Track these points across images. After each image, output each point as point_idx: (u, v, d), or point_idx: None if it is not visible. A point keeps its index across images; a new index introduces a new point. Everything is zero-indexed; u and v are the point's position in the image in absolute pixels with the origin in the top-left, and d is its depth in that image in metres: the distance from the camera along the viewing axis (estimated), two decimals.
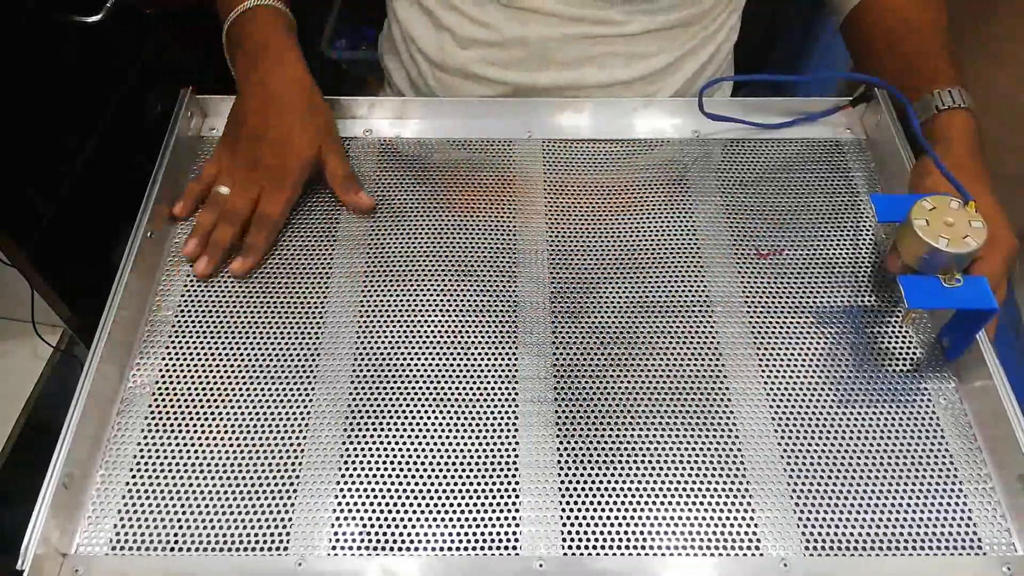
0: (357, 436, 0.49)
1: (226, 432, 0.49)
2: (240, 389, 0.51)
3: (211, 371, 0.52)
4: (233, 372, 0.52)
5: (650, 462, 0.48)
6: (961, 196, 0.50)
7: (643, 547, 0.45)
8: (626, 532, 0.46)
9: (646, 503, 0.47)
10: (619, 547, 0.45)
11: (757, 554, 0.45)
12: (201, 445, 0.49)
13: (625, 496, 0.47)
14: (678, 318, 0.54)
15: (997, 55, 0.78)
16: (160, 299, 0.55)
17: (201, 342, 0.53)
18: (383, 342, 0.53)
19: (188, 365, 0.52)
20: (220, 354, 0.53)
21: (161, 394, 0.51)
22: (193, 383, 0.51)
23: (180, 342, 0.53)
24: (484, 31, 0.67)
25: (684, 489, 0.47)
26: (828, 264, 0.57)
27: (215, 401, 0.51)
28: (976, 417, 0.50)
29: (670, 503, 0.47)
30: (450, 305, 0.55)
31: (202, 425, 0.50)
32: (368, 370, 0.52)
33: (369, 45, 1.01)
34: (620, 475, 0.48)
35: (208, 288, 0.56)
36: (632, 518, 0.46)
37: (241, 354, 0.53)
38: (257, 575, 0.44)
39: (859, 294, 0.56)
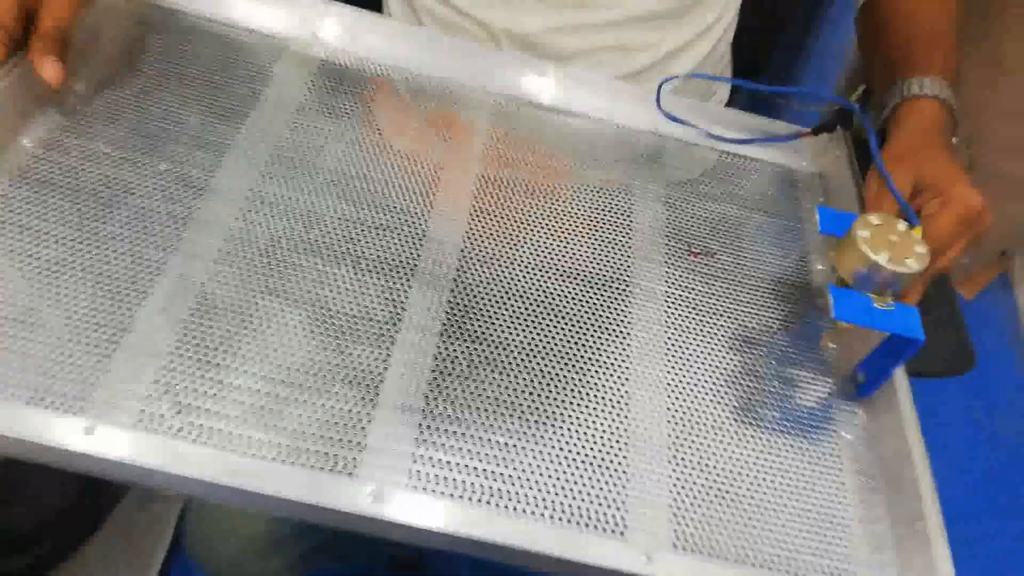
0: (200, 319, 0.43)
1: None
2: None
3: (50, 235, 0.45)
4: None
5: (527, 418, 0.43)
6: (908, 218, 0.47)
7: (497, 502, 0.39)
8: (482, 484, 0.40)
9: (513, 458, 0.41)
10: (470, 497, 0.39)
11: (621, 539, 0.40)
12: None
13: (491, 448, 0.41)
14: (593, 289, 0.50)
15: (997, 55, 0.79)
16: None
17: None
18: (263, 232, 0.47)
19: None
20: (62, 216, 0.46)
21: None
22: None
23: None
24: (475, 26, 0.64)
25: (558, 454, 0.42)
26: (756, 279, 0.54)
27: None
28: (879, 455, 0.46)
29: (540, 464, 0.41)
30: (349, 222, 0.49)
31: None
32: (237, 255, 0.46)
33: None
34: (490, 424, 0.42)
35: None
36: (493, 471, 0.41)
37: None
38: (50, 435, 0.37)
39: (782, 315, 0.52)
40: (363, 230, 0.49)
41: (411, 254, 0.49)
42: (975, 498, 1.09)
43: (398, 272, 0.48)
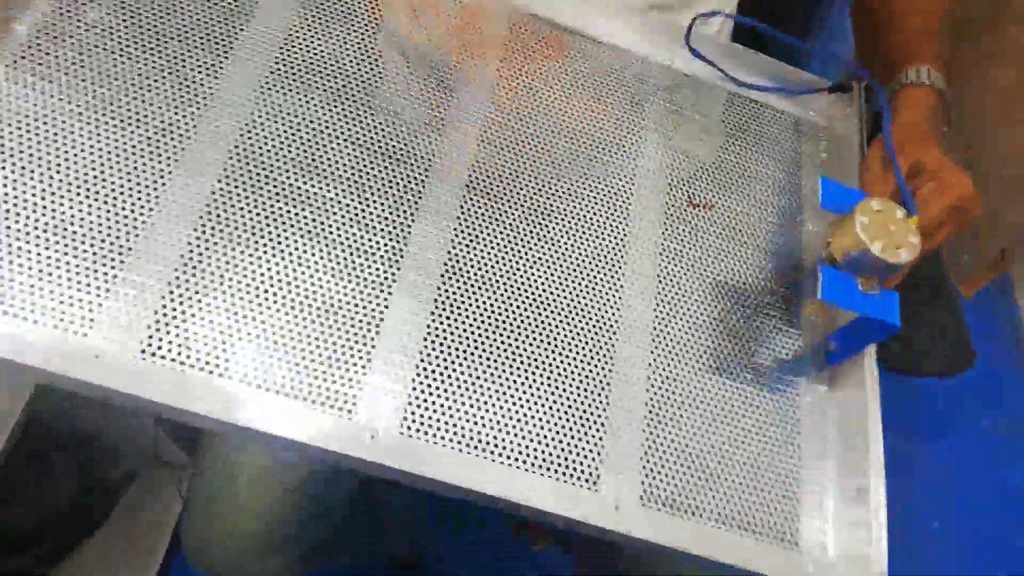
0: (205, 243, 0.43)
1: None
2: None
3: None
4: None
5: (518, 364, 0.45)
6: (907, 206, 0.48)
7: (483, 449, 0.42)
8: (471, 429, 0.42)
9: (502, 406, 0.43)
10: (457, 441, 0.42)
11: (593, 489, 0.43)
12: None
13: (483, 394, 0.43)
14: (592, 231, 0.51)
15: (997, 55, 0.78)
16: None
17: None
18: (270, 151, 0.46)
19: None
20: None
21: None
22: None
23: None
24: None
25: (542, 404, 0.44)
26: (749, 235, 0.55)
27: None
28: (835, 423, 0.49)
29: (525, 413, 0.43)
30: (356, 146, 0.49)
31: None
32: (243, 174, 0.45)
33: None
34: (483, 369, 0.44)
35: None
36: (482, 417, 0.43)
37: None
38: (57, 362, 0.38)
39: (768, 275, 0.54)
40: (370, 155, 0.49)
41: (416, 188, 0.48)
42: (975, 498, 1.06)
43: (402, 205, 0.48)
